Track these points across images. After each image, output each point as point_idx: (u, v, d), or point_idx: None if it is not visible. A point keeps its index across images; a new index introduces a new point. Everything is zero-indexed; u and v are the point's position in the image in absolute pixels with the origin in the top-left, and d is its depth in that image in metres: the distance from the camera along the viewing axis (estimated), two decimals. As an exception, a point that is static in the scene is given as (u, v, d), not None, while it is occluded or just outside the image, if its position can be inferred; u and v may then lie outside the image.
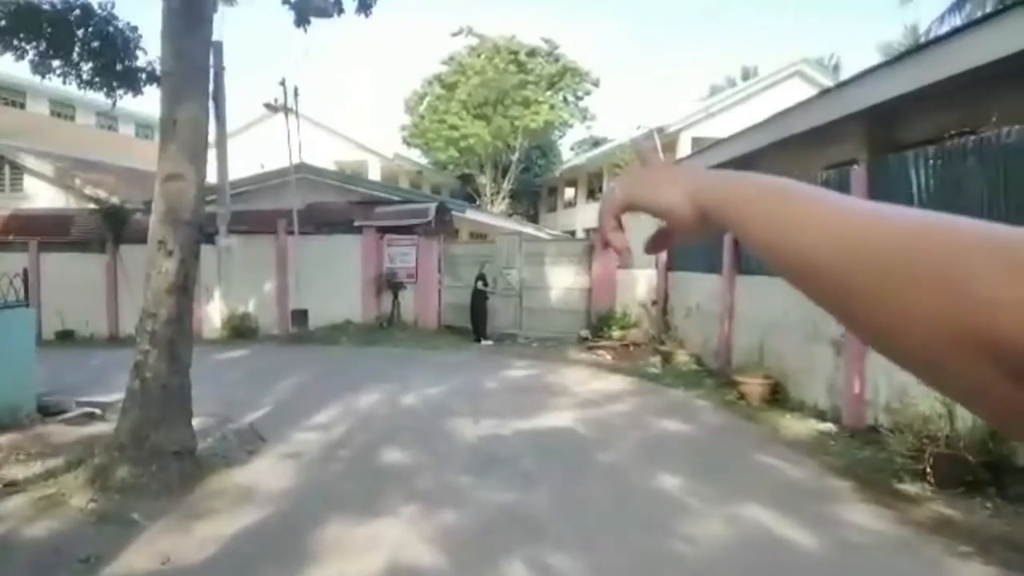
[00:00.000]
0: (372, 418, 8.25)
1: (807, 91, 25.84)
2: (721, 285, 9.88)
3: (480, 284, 14.36)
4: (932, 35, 24.56)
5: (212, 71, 16.55)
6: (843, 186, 6.94)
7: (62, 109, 33.89)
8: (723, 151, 13.24)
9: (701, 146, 22.85)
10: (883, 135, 9.07)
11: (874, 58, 32.21)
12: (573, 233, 31.09)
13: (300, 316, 15.59)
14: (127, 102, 12.04)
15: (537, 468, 6.12)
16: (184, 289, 5.80)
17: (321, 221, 16.50)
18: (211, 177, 19.23)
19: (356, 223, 16.29)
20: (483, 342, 14.20)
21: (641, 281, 13.16)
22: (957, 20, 22.66)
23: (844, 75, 29.54)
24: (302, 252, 15.95)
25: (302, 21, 13.01)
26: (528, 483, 5.71)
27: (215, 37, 16.27)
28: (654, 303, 12.94)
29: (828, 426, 6.91)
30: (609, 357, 11.90)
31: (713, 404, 8.33)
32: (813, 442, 6.64)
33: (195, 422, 8.03)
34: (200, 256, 6.16)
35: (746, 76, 36.68)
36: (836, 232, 0.46)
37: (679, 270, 12.03)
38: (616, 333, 12.70)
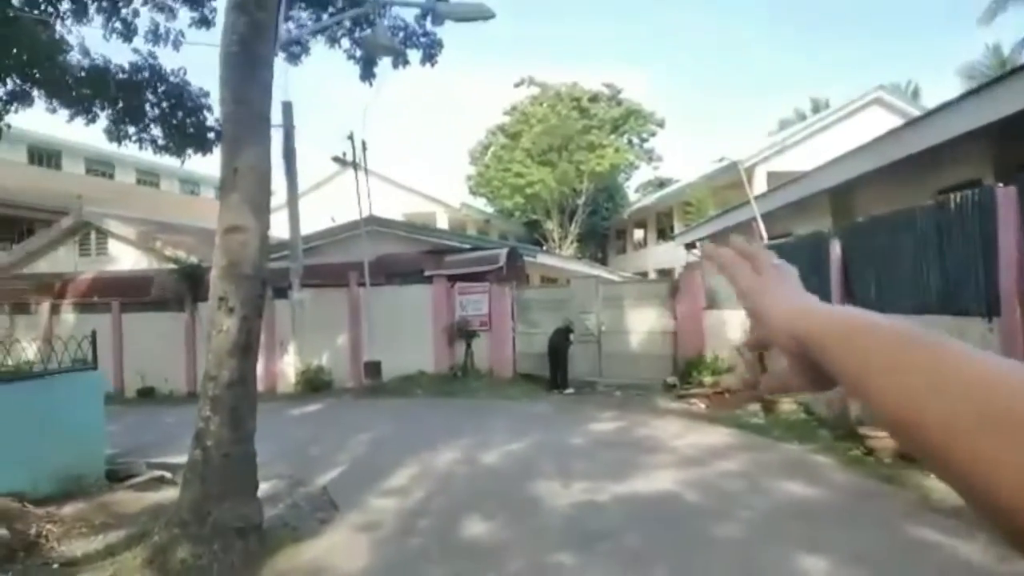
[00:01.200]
0: (452, 480, 7.49)
1: (887, 118, 24.47)
2: (829, 324, 8.79)
3: (562, 332, 13.57)
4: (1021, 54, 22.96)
5: (283, 129, 16.54)
6: (985, 210, 5.91)
7: (147, 177, 35.44)
8: (814, 181, 12.24)
9: (778, 181, 21.73)
10: (1012, 151, 7.97)
11: (955, 82, 30.43)
12: (645, 275, 30.06)
13: (373, 368, 15.10)
14: (207, 166, 12.06)
15: (647, 545, 5.20)
16: (247, 348, 5.23)
17: (392, 272, 16.11)
18: (283, 232, 19.23)
19: (426, 272, 15.83)
20: (563, 391, 13.33)
21: (732, 322, 12.08)
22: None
23: (924, 101, 27.96)
24: (374, 303, 15.56)
25: (367, 76, 12.80)
26: (640, 565, 4.80)
27: (285, 97, 16.33)
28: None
29: (989, 488, 5.74)
30: (702, 406, 10.84)
31: (837, 461, 7.21)
32: (975, 509, 5.50)
33: (265, 486, 7.46)
34: (263, 313, 5.57)
35: (816, 108, 35.35)
36: (977, 395, 0.40)
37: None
38: (707, 379, 11.63)
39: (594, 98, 34.81)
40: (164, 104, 10.18)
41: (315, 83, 68.79)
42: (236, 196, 5.20)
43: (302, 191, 24.39)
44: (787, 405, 9.73)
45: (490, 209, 36.32)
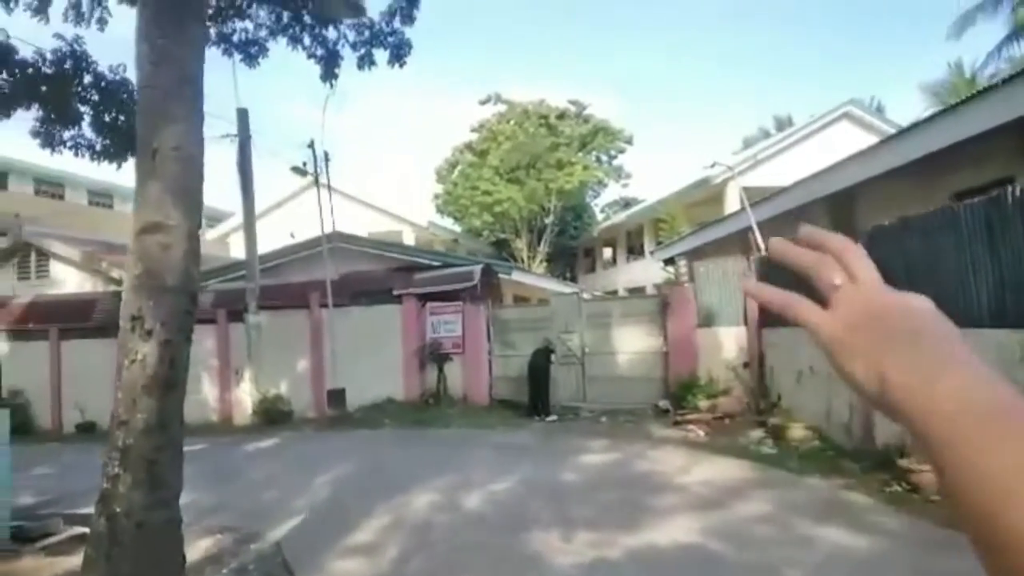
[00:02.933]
0: (430, 532, 6.28)
1: (857, 133, 24.25)
2: (847, 341, 7.84)
3: (542, 354, 12.49)
4: (987, 70, 22.89)
5: (238, 139, 15.14)
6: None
7: (100, 198, 33.68)
8: (810, 189, 11.41)
9: (751, 196, 21.07)
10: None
11: (918, 100, 30.37)
12: (614, 293, 29.18)
13: (337, 396, 13.77)
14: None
15: (684, 624, 4.08)
16: (170, 384, 3.99)
17: (357, 291, 14.85)
18: (239, 252, 17.76)
19: (395, 291, 14.61)
20: (545, 418, 12.18)
21: (727, 340, 11.11)
22: (1017, 51, 20.89)
23: (890, 116, 27.80)
24: (337, 326, 14.27)
25: (329, 75, 11.68)
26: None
27: (240, 104, 14.98)
28: (746, 365, 10.84)
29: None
30: (702, 433, 9.78)
31: (877, 501, 6.17)
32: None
33: (207, 542, 6.23)
34: (192, 337, 4.31)
35: (780, 126, 35.18)
36: None
37: (778, 326, 10.00)
38: (702, 403, 10.59)
39: (561, 115, 34.09)
40: (95, 99, 8.83)
41: (278, 99, 67.33)
42: (156, 185, 3.99)
43: (262, 209, 23.05)
44: (797, 431, 8.73)
45: (457, 228, 35.19)
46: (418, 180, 70.88)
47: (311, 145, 14.00)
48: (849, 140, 22.54)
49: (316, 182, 14.21)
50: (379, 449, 10.79)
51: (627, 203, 38.51)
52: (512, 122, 33.99)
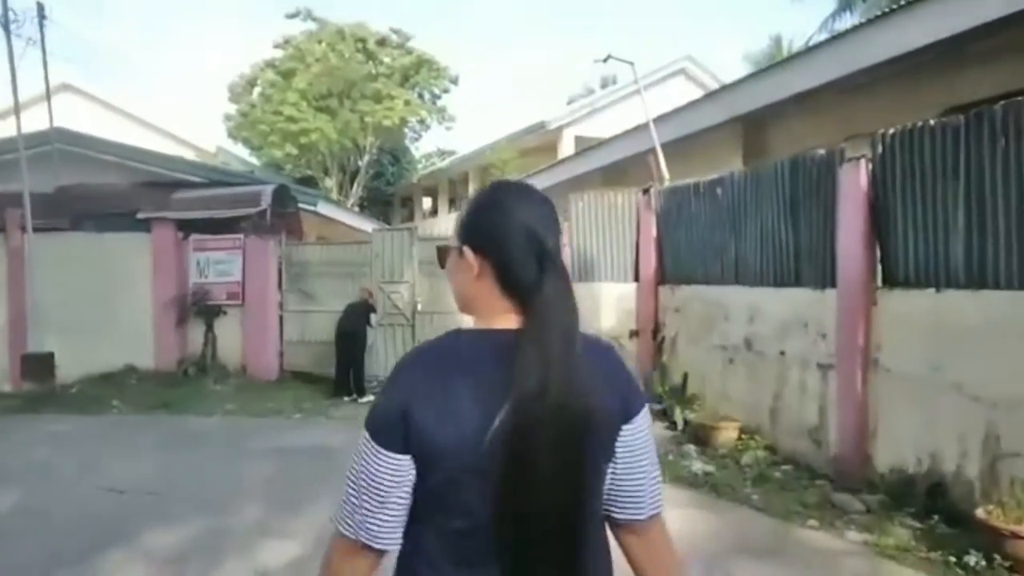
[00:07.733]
0: None
1: (692, 89, 23.02)
2: (827, 309, 5.14)
3: (358, 312, 8.82)
4: (809, 40, 22.32)
5: None
6: None
7: None
8: (719, 106, 8.77)
9: (586, 144, 18.75)
10: None
11: (741, 67, 30.15)
12: (436, 246, 25.96)
13: (40, 364, 9.01)
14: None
15: None
16: None
17: (83, 212, 9.97)
18: None
19: (141, 215, 9.96)
20: (359, 399, 8.56)
21: (609, 300, 8.13)
22: (843, 24, 20.24)
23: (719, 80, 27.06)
24: (49, 260, 9.37)
25: None
26: None
27: None
28: (634, 334, 8.00)
29: None
30: (587, 430, 6.81)
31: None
32: None
33: None
34: None
35: (605, 84, 33.69)
36: None
37: (689, 282, 7.20)
38: (578, 383, 7.66)
39: (381, 42, 29.48)
40: None
41: None
42: None
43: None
44: (729, 432, 6.02)
45: (255, 161, 29.50)
46: (208, 100, 60.77)
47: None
48: (683, 95, 21.12)
49: (7, 33, 8.93)
50: (88, 455, 6.50)
51: (443, 154, 35.17)
52: (324, 43, 28.78)
